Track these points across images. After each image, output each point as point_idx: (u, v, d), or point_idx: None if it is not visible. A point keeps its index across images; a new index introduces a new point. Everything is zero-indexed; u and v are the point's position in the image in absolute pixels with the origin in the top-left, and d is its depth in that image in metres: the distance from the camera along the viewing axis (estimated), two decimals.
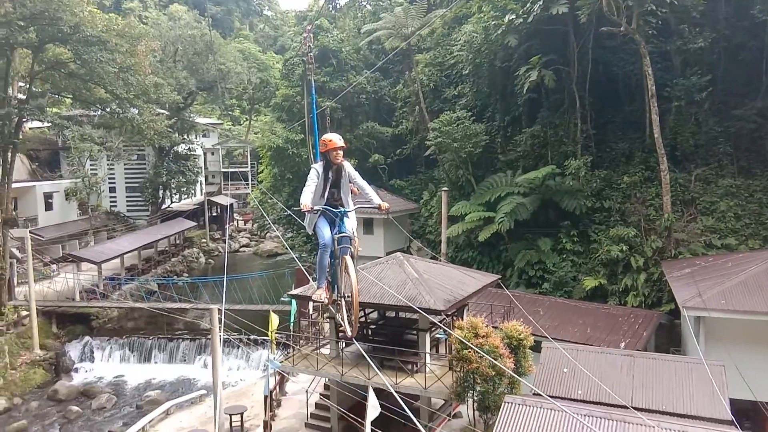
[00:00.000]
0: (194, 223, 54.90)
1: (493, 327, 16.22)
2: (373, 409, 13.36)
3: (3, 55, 29.04)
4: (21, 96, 32.94)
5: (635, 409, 14.11)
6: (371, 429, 14.64)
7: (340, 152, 6.87)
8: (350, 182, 7.07)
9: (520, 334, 15.89)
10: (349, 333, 6.99)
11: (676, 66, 26.94)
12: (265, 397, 18.99)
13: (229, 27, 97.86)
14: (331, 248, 6.89)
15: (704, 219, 25.24)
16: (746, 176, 25.97)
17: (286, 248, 36.31)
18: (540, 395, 14.61)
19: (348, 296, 6.86)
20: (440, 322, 17.45)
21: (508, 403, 13.58)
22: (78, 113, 39.72)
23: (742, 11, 25.94)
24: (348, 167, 7.04)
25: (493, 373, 14.59)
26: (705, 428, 12.35)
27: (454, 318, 18.01)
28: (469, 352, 14.47)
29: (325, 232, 6.84)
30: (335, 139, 6.89)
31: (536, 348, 18.33)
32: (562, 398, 15.19)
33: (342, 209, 6.88)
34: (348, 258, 6.69)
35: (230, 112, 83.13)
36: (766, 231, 24.25)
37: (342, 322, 7.22)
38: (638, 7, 24.02)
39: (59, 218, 45.49)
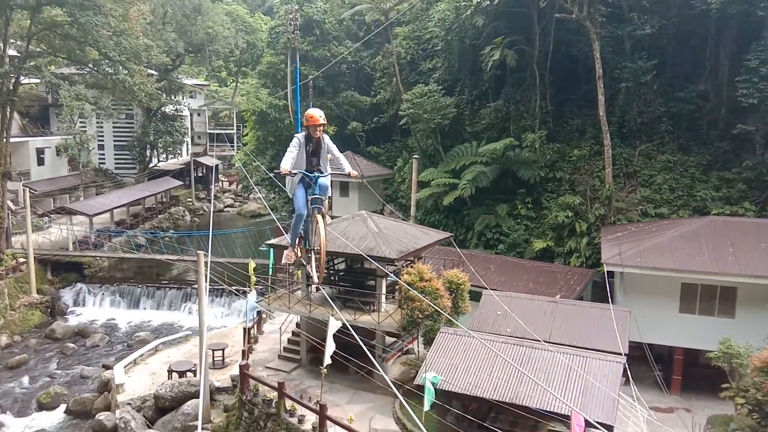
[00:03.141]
0: (180, 183, 57.04)
1: (437, 274, 19.04)
2: (333, 327, 16.06)
3: (2, 14, 30.67)
4: (15, 53, 34.50)
5: (549, 343, 17.13)
6: (336, 356, 17.36)
7: (320, 128, 7.75)
8: (327, 152, 7.96)
9: (459, 280, 18.75)
10: (316, 280, 8.41)
11: (627, 50, 29.37)
12: (245, 329, 21.79)
13: None
14: (304, 217, 7.82)
15: (642, 190, 28.09)
16: (684, 152, 28.68)
17: (268, 209, 38.92)
18: (473, 331, 17.61)
19: (317, 249, 7.98)
20: (396, 270, 20.28)
21: (443, 333, 16.54)
22: (70, 72, 41.29)
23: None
24: (326, 139, 7.93)
25: (433, 310, 17.45)
26: (591, 354, 15.35)
27: (408, 267, 20.83)
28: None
29: (302, 202, 7.73)
30: (317, 115, 7.67)
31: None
32: (492, 334, 18.16)
33: (317, 174, 7.78)
34: (319, 216, 7.67)
35: (217, 74, 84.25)
36: (696, 202, 27.09)
37: (310, 272, 8.63)
38: None
39: (50, 173, 47.62)
